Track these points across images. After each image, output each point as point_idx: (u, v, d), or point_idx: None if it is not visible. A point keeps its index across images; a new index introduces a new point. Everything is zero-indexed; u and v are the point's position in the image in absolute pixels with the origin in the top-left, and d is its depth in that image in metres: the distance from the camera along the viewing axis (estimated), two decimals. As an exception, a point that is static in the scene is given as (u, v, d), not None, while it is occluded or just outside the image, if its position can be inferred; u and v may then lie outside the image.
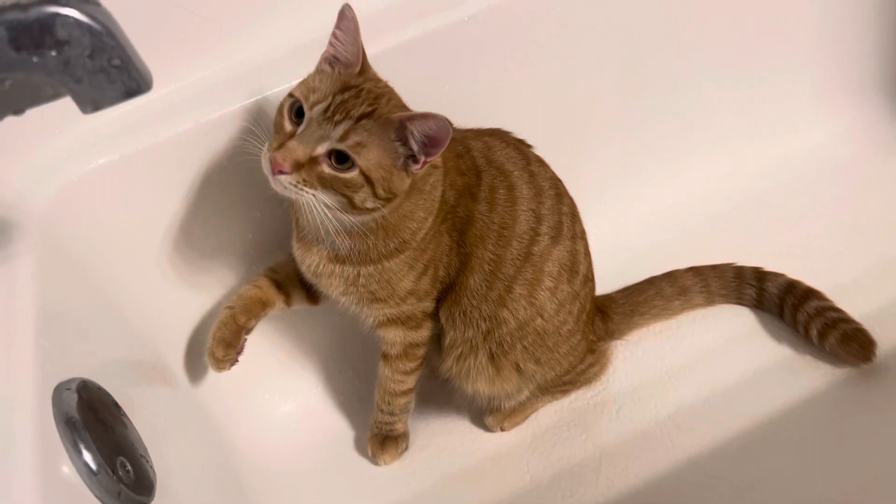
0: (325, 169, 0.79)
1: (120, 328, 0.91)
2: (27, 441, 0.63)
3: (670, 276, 1.15)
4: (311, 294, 1.01)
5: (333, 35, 0.83)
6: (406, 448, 1.08)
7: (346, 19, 0.82)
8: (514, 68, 1.13)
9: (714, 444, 1.06)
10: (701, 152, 1.34)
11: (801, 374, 1.11)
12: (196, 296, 1.04)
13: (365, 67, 0.85)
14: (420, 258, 0.89)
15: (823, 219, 1.30)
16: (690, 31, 1.23)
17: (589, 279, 1.01)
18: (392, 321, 0.94)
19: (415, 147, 0.80)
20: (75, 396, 0.68)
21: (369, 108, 0.80)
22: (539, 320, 0.95)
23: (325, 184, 0.80)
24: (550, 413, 1.12)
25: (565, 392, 1.10)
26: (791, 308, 1.13)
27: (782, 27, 1.30)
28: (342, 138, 0.78)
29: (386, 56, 0.94)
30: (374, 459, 1.07)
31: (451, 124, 0.77)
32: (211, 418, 1.01)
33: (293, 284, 1.00)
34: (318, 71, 0.85)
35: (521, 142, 0.99)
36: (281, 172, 0.78)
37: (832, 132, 1.38)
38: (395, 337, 0.96)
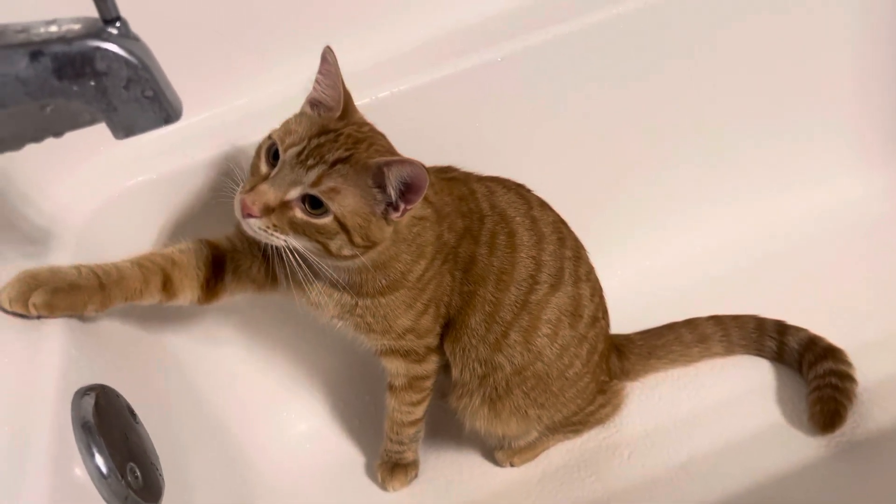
0: (298, 214, 0.78)
1: (146, 340, 0.95)
2: (44, 441, 0.66)
3: (691, 323, 1.15)
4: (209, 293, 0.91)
5: (316, 79, 0.83)
6: (416, 476, 1.10)
7: (326, 63, 0.81)
8: (541, 110, 1.16)
9: (725, 498, 1.04)
10: (731, 201, 1.34)
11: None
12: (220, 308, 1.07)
13: (348, 111, 0.83)
14: (419, 297, 0.89)
15: (855, 275, 1.28)
16: (725, 78, 1.24)
17: (598, 319, 1.00)
18: (393, 352, 0.95)
19: (393, 194, 0.78)
20: (93, 401, 0.71)
21: (346, 153, 0.79)
22: (539, 364, 0.95)
23: (298, 229, 0.78)
24: (562, 452, 1.13)
25: (577, 432, 1.10)
26: (808, 365, 1.11)
27: (821, 79, 1.30)
28: (315, 183, 0.77)
29: (409, 97, 0.97)
30: (383, 485, 1.09)
31: (427, 171, 0.76)
32: (227, 430, 1.04)
33: (202, 271, 0.89)
34: (300, 113, 0.84)
35: (521, 186, 0.99)
36: (250, 216, 0.77)
37: (869, 188, 1.37)
38: (397, 368, 0.97)
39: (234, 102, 1.03)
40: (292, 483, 1.10)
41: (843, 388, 1.06)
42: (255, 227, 0.78)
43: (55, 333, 0.76)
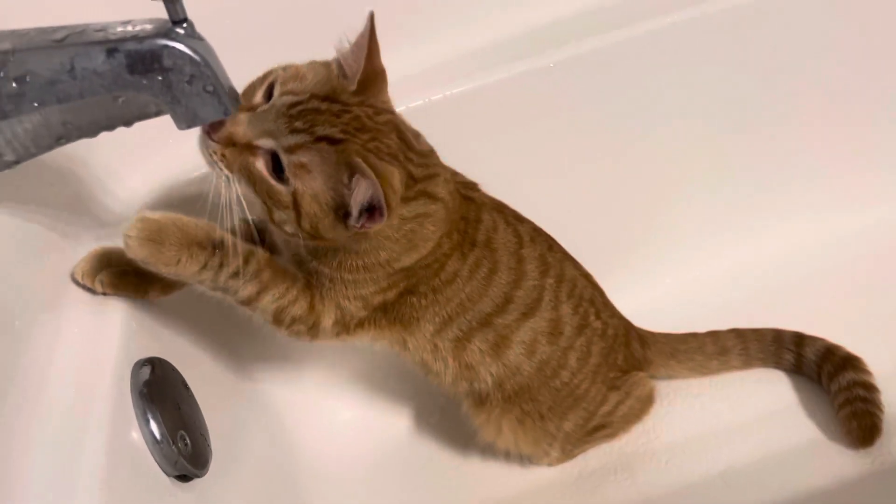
0: (258, 165, 0.72)
1: (203, 319, 1.01)
2: (107, 406, 0.72)
3: (713, 335, 1.14)
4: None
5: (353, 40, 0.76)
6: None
7: (364, 30, 0.73)
8: (597, 118, 1.18)
9: (762, 510, 1.04)
10: (786, 214, 1.32)
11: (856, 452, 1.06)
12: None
13: (369, 89, 0.74)
14: (391, 282, 0.84)
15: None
16: (779, 91, 1.23)
17: (585, 325, 0.98)
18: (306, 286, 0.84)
19: (354, 207, 0.71)
20: (150, 372, 0.77)
21: (339, 135, 0.70)
22: (519, 378, 0.95)
23: (249, 176, 0.72)
24: (599, 454, 1.13)
25: (608, 435, 1.10)
26: (827, 377, 1.10)
27: (878, 97, 1.28)
28: (289, 149, 0.70)
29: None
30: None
31: (385, 208, 0.69)
32: (275, 411, 1.09)
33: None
34: (323, 63, 0.76)
35: (518, 219, 0.96)
36: (210, 136, 0.71)
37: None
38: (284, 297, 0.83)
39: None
40: (335, 467, 1.14)
41: (872, 400, 1.04)
42: (207, 150, 0.72)
43: (119, 309, 0.83)
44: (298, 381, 1.15)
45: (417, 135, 0.82)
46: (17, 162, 0.64)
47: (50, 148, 0.64)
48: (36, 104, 0.60)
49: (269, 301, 0.82)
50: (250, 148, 0.72)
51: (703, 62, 1.18)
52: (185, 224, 0.77)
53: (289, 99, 0.71)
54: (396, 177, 0.72)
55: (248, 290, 0.81)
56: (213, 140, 0.71)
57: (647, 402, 1.11)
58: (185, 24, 0.63)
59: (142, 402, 0.75)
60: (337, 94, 0.72)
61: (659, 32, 1.15)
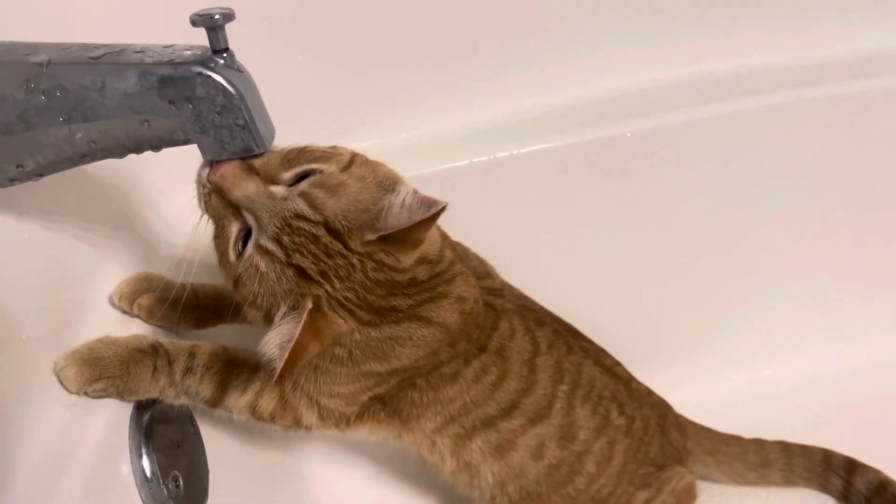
0: (231, 227, 0.68)
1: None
2: (100, 434, 0.70)
3: (758, 443, 1.05)
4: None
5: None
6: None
7: (427, 206, 0.66)
8: (683, 186, 1.12)
9: None
10: (886, 324, 1.21)
11: None
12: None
13: (389, 246, 0.68)
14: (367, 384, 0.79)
15: None
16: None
17: (606, 426, 0.90)
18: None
19: (269, 343, 0.65)
20: (152, 402, 0.74)
21: (314, 275, 0.66)
22: (524, 480, 0.88)
23: (218, 229, 0.70)
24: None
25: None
26: None
27: None
28: (260, 249, 0.66)
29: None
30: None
31: (280, 368, 0.63)
32: (290, 464, 1.04)
33: None
34: (377, 186, 0.69)
35: (539, 323, 0.90)
36: (211, 173, 0.66)
37: None
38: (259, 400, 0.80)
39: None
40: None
41: None
42: (200, 181, 0.69)
43: (141, 330, 0.81)
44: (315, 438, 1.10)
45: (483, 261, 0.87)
46: (40, 175, 0.63)
47: (74, 164, 0.63)
48: (62, 119, 0.58)
49: (235, 398, 0.78)
50: (235, 210, 0.67)
51: (808, 151, 1.11)
52: (114, 339, 0.75)
53: (301, 209, 0.66)
54: (341, 328, 0.69)
55: (207, 388, 0.76)
56: (210, 180, 0.66)
57: (684, 497, 1.00)
58: (225, 54, 0.60)
59: (138, 434, 0.72)
60: (350, 235, 0.66)
61: (750, 113, 1.08)
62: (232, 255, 0.68)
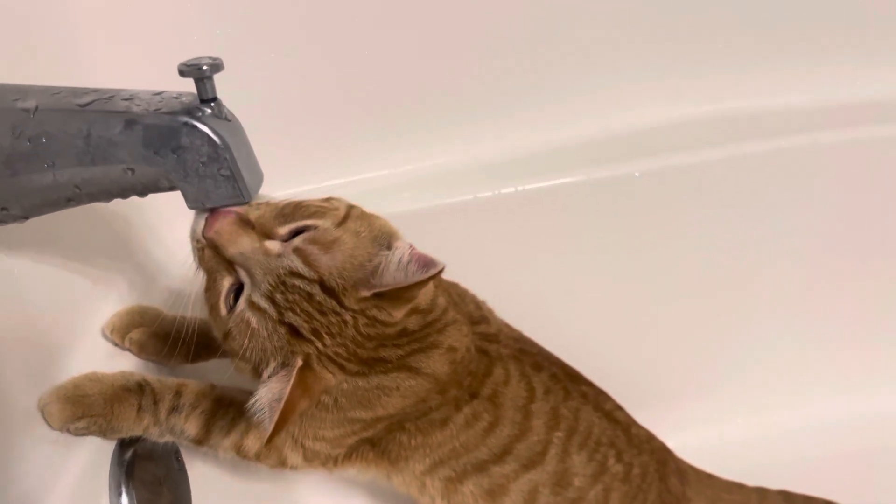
0: (223, 281, 0.67)
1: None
2: (79, 468, 0.70)
3: (760, 492, 1.02)
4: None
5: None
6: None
7: (422, 270, 0.66)
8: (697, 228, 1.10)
9: None
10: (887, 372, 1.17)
11: None
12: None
13: (384, 302, 0.68)
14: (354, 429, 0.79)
15: None
16: None
17: (602, 473, 0.88)
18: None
19: (258, 398, 0.65)
20: (136, 438, 0.74)
21: (306, 333, 0.66)
22: None
23: (210, 281, 0.68)
24: None
25: None
26: None
27: None
28: (252, 305, 0.66)
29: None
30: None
31: (271, 426, 0.63)
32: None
33: None
34: (372, 241, 0.69)
35: (536, 368, 0.88)
36: (206, 229, 0.65)
37: None
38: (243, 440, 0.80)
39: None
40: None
41: None
42: (194, 234, 0.68)
43: (129, 365, 0.81)
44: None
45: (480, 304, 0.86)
46: (25, 217, 0.64)
47: (59, 208, 0.63)
48: (46, 165, 0.59)
49: (220, 437, 0.78)
50: (229, 265, 0.67)
51: (819, 195, 1.09)
52: (101, 376, 0.75)
53: (296, 266, 0.65)
54: (329, 382, 0.69)
55: (193, 427, 0.76)
56: (206, 236, 0.66)
57: None
58: (213, 104, 0.60)
59: (118, 471, 0.72)
60: (344, 292, 0.66)
61: (762, 155, 1.06)
62: (223, 310, 0.68)
